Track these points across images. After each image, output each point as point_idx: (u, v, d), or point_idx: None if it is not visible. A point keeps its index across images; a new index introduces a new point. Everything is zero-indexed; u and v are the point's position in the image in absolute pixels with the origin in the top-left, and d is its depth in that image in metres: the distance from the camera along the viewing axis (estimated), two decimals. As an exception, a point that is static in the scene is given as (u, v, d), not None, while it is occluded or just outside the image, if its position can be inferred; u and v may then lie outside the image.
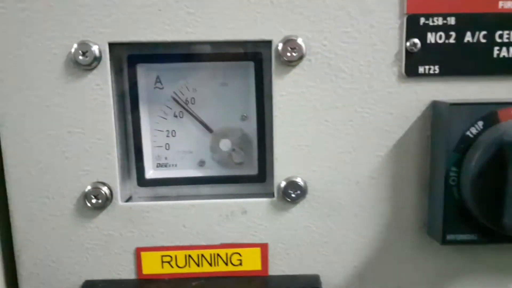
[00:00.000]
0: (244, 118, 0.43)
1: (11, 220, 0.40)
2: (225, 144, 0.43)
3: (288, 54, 0.36)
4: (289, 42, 0.36)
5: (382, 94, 0.38)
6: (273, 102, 0.38)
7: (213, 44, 0.39)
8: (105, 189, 0.39)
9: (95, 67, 0.37)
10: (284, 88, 0.38)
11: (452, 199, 0.36)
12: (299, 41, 0.36)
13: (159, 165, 0.44)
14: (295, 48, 0.36)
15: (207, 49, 0.41)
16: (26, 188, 0.39)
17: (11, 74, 0.37)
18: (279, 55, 0.37)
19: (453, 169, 0.36)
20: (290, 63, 0.37)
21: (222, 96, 0.42)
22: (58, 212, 0.39)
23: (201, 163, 0.44)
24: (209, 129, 0.43)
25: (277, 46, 0.37)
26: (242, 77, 0.42)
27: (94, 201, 0.39)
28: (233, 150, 0.43)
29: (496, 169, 0.34)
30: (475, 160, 0.34)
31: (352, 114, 0.38)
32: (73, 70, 0.37)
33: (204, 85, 0.42)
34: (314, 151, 0.39)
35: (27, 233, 0.40)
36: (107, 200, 0.39)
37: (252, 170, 0.43)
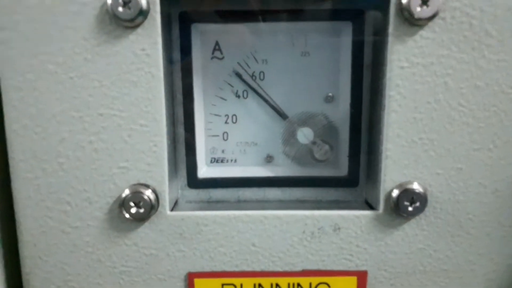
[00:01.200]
0: (329, 99, 0.32)
1: (18, 233, 0.29)
2: (304, 135, 0.32)
3: (418, 8, 0.26)
4: (420, -9, 0.25)
5: (542, 70, 0.27)
6: (388, 76, 0.27)
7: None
8: (148, 194, 0.28)
9: (139, 24, 0.26)
10: (405, 56, 0.27)
11: None
12: (433, -11, 0.26)
13: (214, 161, 0.33)
14: (428, 0, 0.25)
15: (283, 4, 0.30)
16: (40, 191, 0.29)
17: (22, 31, 0.26)
18: (403, 9, 0.26)
19: None
20: (417, 21, 0.26)
21: (301, 70, 0.32)
22: (82, 223, 0.29)
23: (269, 159, 0.33)
24: (282, 115, 0.32)
25: (402, -4, 0.26)
26: (331, 44, 0.32)
27: (134, 210, 0.28)
28: (314, 143, 0.32)
29: None
30: None
31: (498, 97, 0.27)
32: (109, 28, 0.27)
33: (277, 55, 0.32)
34: (440, 147, 0.28)
35: (39, 251, 0.29)
36: (152, 208, 0.28)
37: (340, 170, 0.33)
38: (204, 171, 0.33)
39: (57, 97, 0.27)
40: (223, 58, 0.32)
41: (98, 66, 0.27)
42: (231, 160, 0.34)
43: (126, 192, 0.28)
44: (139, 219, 0.29)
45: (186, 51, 0.31)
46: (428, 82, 0.27)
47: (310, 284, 0.30)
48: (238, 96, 0.32)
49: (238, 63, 0.32)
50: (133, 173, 0.28)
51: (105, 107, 0.27)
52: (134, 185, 0.28)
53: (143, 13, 0.26)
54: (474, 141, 0.28)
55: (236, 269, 0.30)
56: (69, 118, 0.28)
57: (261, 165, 0.34)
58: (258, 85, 0.32)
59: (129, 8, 0.26)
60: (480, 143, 0.28)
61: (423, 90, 0.27)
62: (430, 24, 0.26)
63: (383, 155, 0.28)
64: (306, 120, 0.32)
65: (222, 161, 0.34)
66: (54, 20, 0.26)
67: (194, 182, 0.32)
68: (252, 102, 0.32)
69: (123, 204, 0.28)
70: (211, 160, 0.34)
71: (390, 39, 0.27)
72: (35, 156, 0.28)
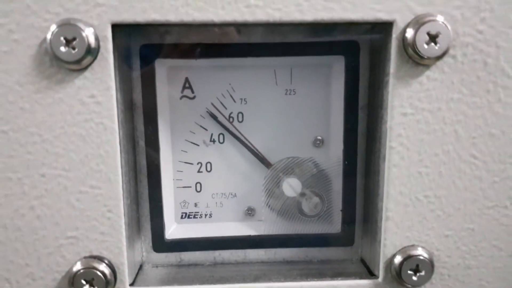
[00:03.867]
0: (319, 143, 0.28)
1: None
2: (291, 186, 0.28)
3: (425, 45, 0.21)
4: (426, 25, 0.21)
5: None
6: (389, 124, 0.23)
7: (277, 28, 0.25)
8: (103, 268, 0.23)
9: (87, 65, 0.22)
10: (409, 101, 0.23)
11: None
12: (442, 23, 0.21)
13: (185, 216, 0.29)
14: (437, 36, 0.21)
15: (265, 37, 0.25)
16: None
17: None
18: (406, 45, 0.22)
19: None
20: (424, 61, 0.22)
21: (286, 110, 0.27)
22: (25, 304, 0.24)
23: (251, 213, 0.29)
24: (265, 162, 0.28)
25: (404, 30, 0.22)
26: (320, 81, 0.27)
27: (86, 289, 0.23)
28: (303, 194, 0.28)
29: None
30: None
31: (516, 143, 0.23)
32: (49, 71, 0.22)
33: (258, 93, 0.27)
34: (447, 206, 0.24)
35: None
36: (108, 285, 0.23)
37: (333, 226, 0.29)
38: (173, 230, 0.28)
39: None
40: (194, 97, 0.27)
41: (38, 117, 0.22)
42: (206, 215, 0.29)
43: (77, 266, 0.23)
44: (93, 299, 0.24)
45: (149, 90, 0.26)
46: (435, 131, 0.23)
47: None
48: (213, 141, 0.28)
49: (212, 104, 0.27)
50: (84, 243, 0.23)
51: (47, 167, 0.23)
52: (86, 258, 0.24)
53: (91, 53, 0.21)
54: (487, 198, 0.24)
55: None
56: (5, 180, 0.23)
57: (241, 220, 0.29)
58: (236, 128, 0.28)
59: (73, 48, 0.21)
60: (495, 200, 0.24)
61: (430, 140, 0.23)
62: (438, 63, 0.22)
63: (384, 216, 0.24)
64: (292, 167, 0.28)
65: (194, 217, 0.29)
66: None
67: (160, 245, 0.28)
68: (229, 147, 0.28)
69: (73, 282, 0.23)
70: (182, 216, 0.29)
71: (391, 80, 0.23)
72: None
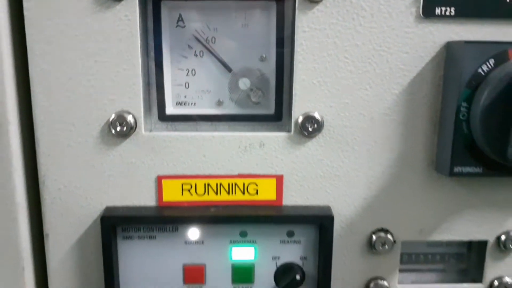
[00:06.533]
0: (263, 59, 0.44)
1: (37, 147, 0.41)
2: (244, 83, 0.44)
3: (313, -10, 0.38)
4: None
5: (400, 34, 0.39)
6: (295, 37, 0.39)
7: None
8: (129, 118, 0.40)
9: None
10: (306, 24, 0.39)
11: (461, 133, 0.38)
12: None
13: (179, 104, 0.45)
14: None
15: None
16: (53, 115, 0.40)
17: (41, 2, 0.38)
18: (305, -7, 0.38)
19: (464, 104, 0.38)
20: (315, 0, 0.38)
21: (242, 37, 0.43)
22: (82, 140, 0.41)
23: (219, 103, 0.45)
24: (228, 68, 0.44)
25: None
26: (263, 19, 0.43)
27: (119, 128, 0.40)
28: (251, 89, 0.45)
29: (504, 104, 0.36)
30: (485, 95, 0.37)
31: (370, 52, 0.40)
32: (102, 0, 0.38)
33: (225, 25, 0.43)
34: (332, 88, 0.40)
35: (52, 159, 0.41)
36: (131, 129, 0.40)
37: (269, 109, 0.45)
38: (171, 110, 0.45)
39: (66, 49, 0.39)
40: (184, 26, 0.43)
41: (95, 27, 0.39)
42: (191, 104, 0.45)
43: (113, 116, 0.40)
44: (122, 136, 0.40)
45: (157, 20, 0.42)
46: (322, 42, 0.40)
47: (244, 184, 0.42)
48: (196, 55, 0.44)
49: (196, 30, 0.43)
50: (118, 103, 0.40)
51: (98, 56, 0.39)
52: (119, 111, 0.40)
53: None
54: (355, 84, 0.40)
55: (192, 173, 0.42)
56: (74, 64, 0.39)
57: (213, 107, 0.45)
58: (211, 46, 0.44)
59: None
60: (360, 85, 0.40)
61: (319, 47, 0.40)
62: (324, 1, 0.39)
63: (294, 93, 0.41)
64: (245, 73, 0.44)
65: (184, 104, 0.45)
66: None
67: (163, 116, 0.44)
68: (207, 59, 0.43)
69: (111, 124, 0.40)
70: (176, 103, 0.45)
71: (297, 11, 0.39)
72: (50, 90, 0.40)
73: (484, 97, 0.37)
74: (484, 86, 0.37)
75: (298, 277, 0.42)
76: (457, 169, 0.39)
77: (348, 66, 0.40)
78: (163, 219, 0.41)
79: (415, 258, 0.47)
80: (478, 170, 0.39)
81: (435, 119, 0.41)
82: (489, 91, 0.37)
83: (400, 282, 0.46)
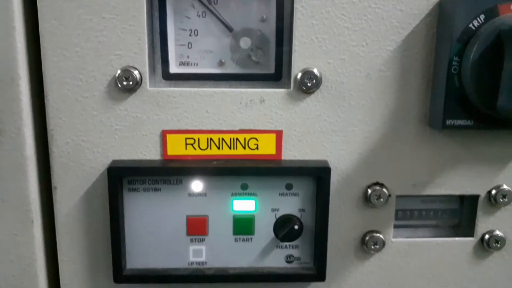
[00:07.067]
0: (263, 20, 0.46)
1: (46, 101, 0.43)
2: (245, 42, 0.46)
3: None
4: None
5: (395, -9, 0.41)
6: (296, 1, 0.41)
7: None
8: (136, 73, 0.42)
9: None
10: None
11: (453, 86, 0.40)
12: None
13: (182, 64, 0.47)
14: None
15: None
16: (61, 70, 0.42)
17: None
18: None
19: (456, 58, 0.40)
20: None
21: (244, -1, 0.45)
22: (89, 94, 0.43)
23: (221, 63, 0.47)
24: (229, 28, 0.46)
25: None
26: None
27: (125, 83, 0.42)
28: (252, 49, 0.46)
29: (493, 56, 0.38)
30: (475, 48, 0.38)
31: (366, 9, 0.41)
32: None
33: None
34: (330, 44, 0.42)
35: (60, 113, 0.43)
36: (137, 84, 0.42)
37: (269, 69, 0.46)
38: (174, 69, 0.47)
39: (74, 5, 0.41)
40: None
41: None
42: (194, 64, 0.47)
43: (119, 72, 0.42)
44: (129, 91, 0.42)
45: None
46: (321, 5, 0.41)
47: (245, 139, 0.44)
48: (199, 16, 0.46)
49: (200, -9, 0.45)
50: (124, 59, 0.42)
51: (106, 12, 0.41)
52: (125, 67, 0.42)
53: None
54: (352, 40, 0.42)
55: (195, 128, 0.44)
56: (82, 19, 0.41)
57: (215, 67, 0.47)
58: (213, 7, 0.46)
59: None
60: (356, 42, 0.42)
61: (318, 5, 0.41)
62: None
63: (293, 50, 0.42)
64: (246, 32, 0.46)
65: (187, 64, 0.47)
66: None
67: (167, 75, 0.46)
68: (209, 20, 0.45)
69: (118, 78, 0.42)
70: (180, 63, 0.47)
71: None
72: (59, 45, 0.41)
73: (474, 51, 0.38)
74: (474, 40, 0.39)
75: (296, 226, 0.43)
76: (449, 122, 0.41)
77: (345, 23, 0.42)
78: (168, 171, 0.43)
79: (409, 214, 0.49)
80: (469, 123, 0.41)
81: (428, 76, 0.43)
82: (479, 45, 0.38)
83: (395, 237, 0.48)
